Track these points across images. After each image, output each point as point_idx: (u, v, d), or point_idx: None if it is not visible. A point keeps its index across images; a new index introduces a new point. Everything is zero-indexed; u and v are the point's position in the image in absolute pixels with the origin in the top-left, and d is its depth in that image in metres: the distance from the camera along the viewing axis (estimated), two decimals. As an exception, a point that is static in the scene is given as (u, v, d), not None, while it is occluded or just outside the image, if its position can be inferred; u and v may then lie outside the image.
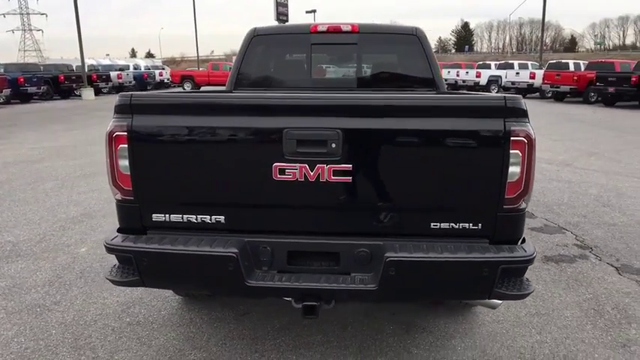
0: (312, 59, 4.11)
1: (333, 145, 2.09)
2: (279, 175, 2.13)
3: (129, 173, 2.23)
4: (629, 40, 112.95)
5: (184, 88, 30.76)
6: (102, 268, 3.92)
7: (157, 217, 2.28)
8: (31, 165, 8.13)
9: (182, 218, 2.27)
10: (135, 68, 31.12)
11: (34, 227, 4.96)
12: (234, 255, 2.12)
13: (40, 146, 10.04)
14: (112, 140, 2.21)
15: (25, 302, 3.37)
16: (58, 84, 24.08)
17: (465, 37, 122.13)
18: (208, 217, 2.26)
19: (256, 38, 4.02)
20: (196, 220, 2.27)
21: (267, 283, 2.18)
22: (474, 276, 2.13)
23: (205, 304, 3.31)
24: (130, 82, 29.59)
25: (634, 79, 19.09)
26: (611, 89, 19.91)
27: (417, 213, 2.22)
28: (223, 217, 2.26)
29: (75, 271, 3.86)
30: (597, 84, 20.65)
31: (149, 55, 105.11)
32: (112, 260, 3.99)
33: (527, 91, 25.12)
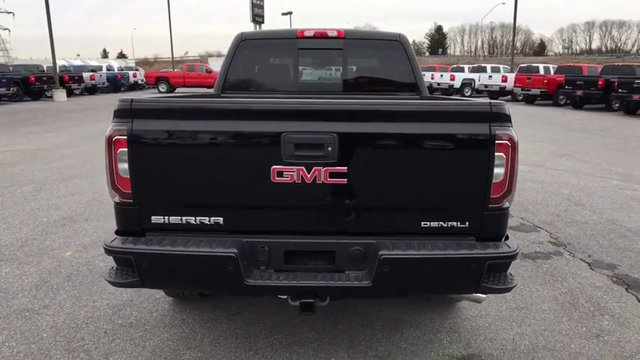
0: (299, 64, 4.20)
1: (330, 149, 2.19)
2: (277, 178, 2.22)
3: (128, 176, 2.28)
4: (594, 45, 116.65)
5: (159, 90, 30.43)
6: (89, 271, 3.92)
7: (156, 219, 2.34)
8: (6, 168, 7.97)
9: (181, 220, 2.33)
10: (108, 69, 30.62)
11: (15, 231, 4.90)
12: (233, 255, 2.19)
13: (13, 149, 9.83)
14: (111, 144, 2.26)
15: (12, 307, 3.35)
16: (28, 85, 23.46)
17: (438, 40, 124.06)
18: (207, 218, 2.33)
19: (244, 43, 4.08)
20: (195, 221, 2.33)
21: (266, 282, 2.26)
22: (462, 271, 2.25)
23: (197, 305, 3.36)
24: (104, 84, 29.11)
25: (600, 82, 19.82)
26: (579, 92, 20.61)
27: (408, 213, 2.33)
28: (222, 218, 2.33)
29: (62, 275, 3.85)
30: (566, 87, 21.34)
31: (121, 56, 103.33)
32: (100, 263, 4.07)
33: (500, 93, 25.76)
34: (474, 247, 2.27)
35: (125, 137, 2.24)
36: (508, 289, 2.31)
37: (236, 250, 2.21)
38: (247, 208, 2.35)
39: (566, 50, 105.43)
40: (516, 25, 37.68)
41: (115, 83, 29.80)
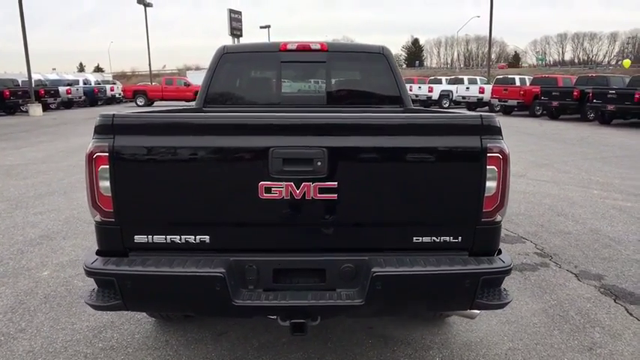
0: (282, 77, 4.16)
1: (319, 163, 2.13)
2: (265, 194, 2.15)
3: (110, 194, 2.18)
4: (567, 56, 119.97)
5: (137, 104, 30.08)
6: (67, 292, 3.77)
7: (139, 238, 2.24)
8: (-21, 185, 7.71)
9: (165, 239, 2.24)
10: (85, 83, 30.14)
11: (-12, 251, 4.70)
12: (221, 275, 2.11)
13: (-13, 165, 9.53)
14: (92, 161, 2.16)
15: (-15, 332, 3.19)
16: (3, 99, 22.92)
17: (415, 52, 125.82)
18: (192, 237, 2.24)
19: (226, 56, 4.02)
20: (180, 240, 2.24)
21: (255, 302, 2.18)
22: (456, 287, 2.21)
23: (180, 326, 3.25)
24: (80, 98, 28.64)
25: (576, 93, 20.30)
26: (555, 103, 21.07)
27: (399, 228, 2.28)
28: (208, 236, 2.24)
29: (39, 296, 3.69)
30: (542, 98, 21.80)
31: (98, 70, 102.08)
32: (78, 283, 3.92)
33: (477, 105, 26.19)
34: (467, 262, 2.22)
35: (107, 154, 2.14)
36: (503, 305, 2.27)
37: (223, 270, 2.12)
38: (234, 226, 2.27)
39: (540, 62, 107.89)
40: (492, 37, 38.45)
41: (92, 97, 29.34)
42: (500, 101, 24.13)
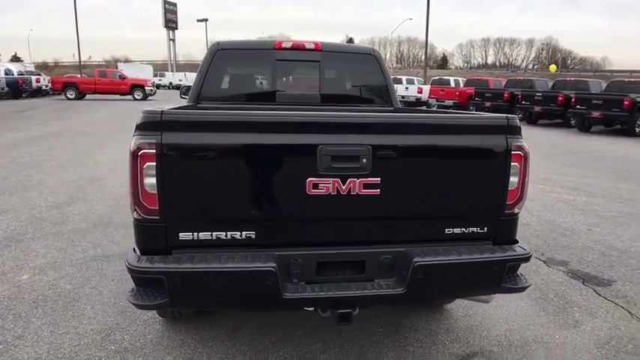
0: (277, 75, 4.20)
1: (364, 160, 2.24)
2: (312, 190, 2.23)
3: (155, 192, 2.16)
4: (490, 60, 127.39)
5: (67, 97, 28.36)
6: (57, 295, 3.60)
7: (184, 235, 2.24)
8: None
9: (211, 236, 2.25)
10: (7, 73, 27.87)
11: (-51, 256, 4.36)
12: (272, 269, 2.16)
13: None
14: (137, 157, 2.14)
15: (-22, 340, 2.99)
16: None
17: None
18: (238, 233, 2.27)
19: (220, 52, 4.01)
20: (226, 236, 2.27)
21: (303, 295, 2.25)
22: (486, 274, 2.41)
23: (191, 324, 3.22)
24: (3, 89, 26.52)
25: (506, 95, 21.70)
26: (487, 104, 22.35)
27: (434, 220, 2.45)
28: (254, 232, 2.28)
29: (26, 301, 3.50)
30: (476, 99, 23.07)
31: (16, 59, 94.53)
32: (66, 286, 3.76)
33: (416, 104, 27.16)
34: (495, 250, 2.43)
35: (153, 151, 2.13)
36: (524, 288, 2.51)
37: (275, 264, 2.18)
38: (281, 221, 2.33)
39: (466, 64, 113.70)
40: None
41: (17, 88, 27.23)
42: (437, 101, 25.22)
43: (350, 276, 2.41)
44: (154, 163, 2.14)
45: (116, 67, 45.67)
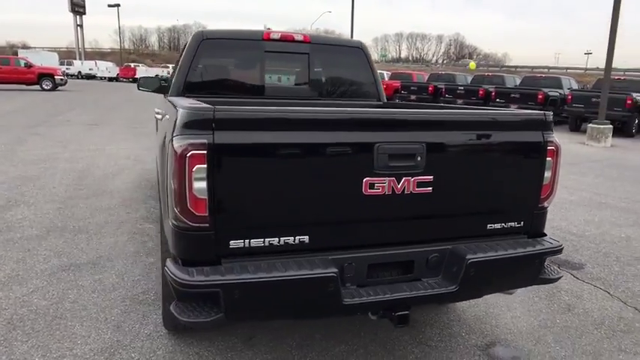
0: (266, 66, 4.01)
1: (419, 158, 2.20)
2: (368, 190, 2.15)
3: (205, 197, 1.96)
4: (403, 54, 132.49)
5: (-38, 86, 25.34)
6: (34, 313, 3.19)
7: (234, 243, 2.05)
8: None
9: (263, 242, 2.09)
10: None
11: None
12: (334, 275, 2.06)
13: None
14: (184, 159, 1.92)
15: (-47, 373, 2.57)
16: None
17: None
18: (292, 238, 2.13)
19: (206, 42, 3.74)
20: (279, 242, 2.12)
21: (362, 300, 2.17)
22: (529, 267, 2.47)
23: (204, 335, 2.99)
24: None
25: (431, 88, 22.63)
26: (413, 97, 23.17)
27: (478, 216, 2.46)
28: (307, 236, 2.15)
29: (0, 323, 3.06)
30: (402, 92, 23.84)
31: None
32: (40, 302, 3.33)
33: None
34: (534, 244, 2.49)
35: (204, 152, 1.92)
36: (558, 279, 2.60)
37: (336, 270, 2.07)
38: (335, 224, 2.21)
39: (382, 58, 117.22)
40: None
41: None
42: (365, 93, 25.69)
43: (398, 277, 2.36)
44: (205, 166, 1.94)
45: (15, 54, 41.47)
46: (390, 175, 2.16)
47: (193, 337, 2.98)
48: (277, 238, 2.11)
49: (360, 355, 2.89)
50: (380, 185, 2.16)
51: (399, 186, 2.18)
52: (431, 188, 2.25)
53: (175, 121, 2.00)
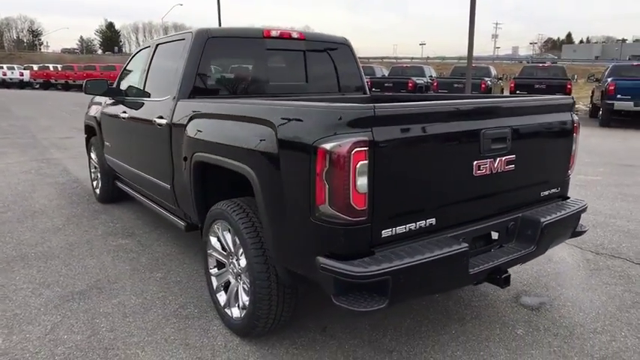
0: (268, 65, 4.01)
1: (508, 140, 2.57)
2: (477, 171, 2.46)
3: (366, 192, 2.08)
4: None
5: None
6: (76, 349, 2.86)
7: (385, 232, 2.21)
8: None
9: (405, 228, 2.27)
10: None
11: None
12: (467, 249, 2.32)
13: None
14: (349, 158, 2.01)
15: None
16: None
17: (111, 37, 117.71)
18: (424, 221, 2.34)
19: (211, 40, 3.62)
20: (415, 227, 2.31)
21: (482, 268, 2.48)
22: (572, 223, 3.00)
23: (278, 335, 2.98)
24: None
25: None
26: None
27: (537, 186, 2.92)
28: (434, 218, 2.38)
29: (46, 366, 2.69)
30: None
31: None
32: (72, 336, 3.16)
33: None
34: (572, 204, 3.03)
35: (366, 148, 2.04)
36: (585, 232, 3.17)
37: (467, 245, 2.34)
38: (454, 204, 2.47)
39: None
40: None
41: None
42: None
43: (487, 246, 2.71)
44: (366, 162, 2.05)
45: None
46: (491, 156, 2.50)
47: (269, 339, 2.96)
48: (414, 224, 2.30)
49: (426, 324, 3.17)
50: (484, 166, 2.49)
51: (495, 165, 2.53)
52: (513, 166, 2.63)
53: (323, 122, 2.09)
